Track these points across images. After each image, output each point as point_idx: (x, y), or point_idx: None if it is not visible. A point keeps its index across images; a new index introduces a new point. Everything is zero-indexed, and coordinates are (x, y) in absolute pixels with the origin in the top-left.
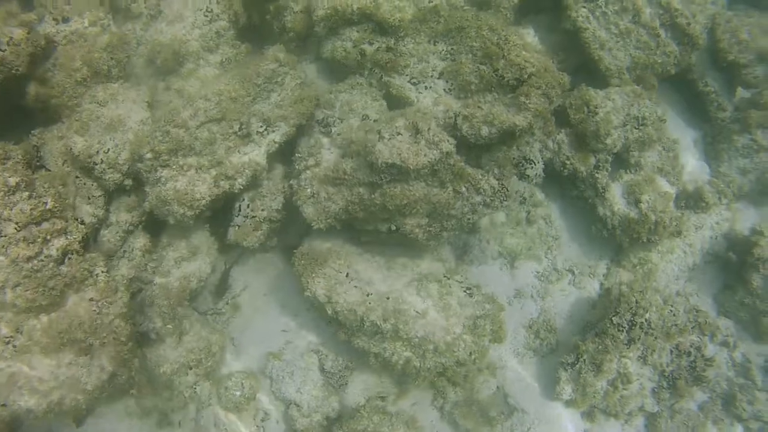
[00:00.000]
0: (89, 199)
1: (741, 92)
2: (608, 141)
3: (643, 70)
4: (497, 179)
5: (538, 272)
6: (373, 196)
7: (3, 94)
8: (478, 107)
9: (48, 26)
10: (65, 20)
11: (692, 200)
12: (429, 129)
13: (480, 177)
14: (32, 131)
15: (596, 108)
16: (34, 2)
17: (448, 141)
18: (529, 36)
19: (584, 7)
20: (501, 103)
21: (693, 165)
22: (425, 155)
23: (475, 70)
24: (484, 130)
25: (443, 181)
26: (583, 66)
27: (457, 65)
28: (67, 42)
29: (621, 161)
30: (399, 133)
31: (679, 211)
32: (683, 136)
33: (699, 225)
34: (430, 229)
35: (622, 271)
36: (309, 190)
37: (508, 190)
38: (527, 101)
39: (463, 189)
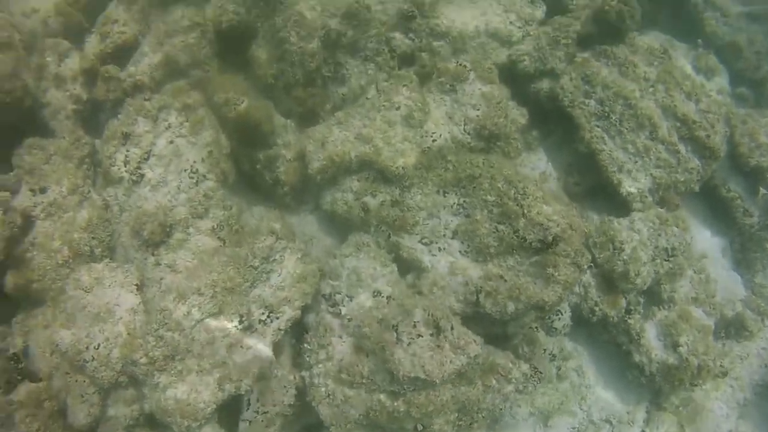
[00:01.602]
0: (82, 397)
1: (762, 192)
2: (638, 281)
3: (665, 190)
4: (528, 360)
5: (573, 428)
6: (396, 404)
7: None
8: (502, 279)
9: (25, 199)
10: (42, 190)
11: (733, 328)
12: (452, 328)
13: (510, 366)
14: (14, 319)
15: (622, 244)
16: (12, 160)
17: (475, 342)
18: (541, 162)
19: (598, 126)
20: (526, 273)
21: (725, 278)
22: (451, 362)
23: (493, 230)
24: (510, 307)
25: (471, 379)
26: (599, 186)
27: (473, 224)
28: (45, 216)
29: (651, 295)
30: (419, 335)
31: (721, 343)
32: (710, 247)
33: (744, 355)
34: (460, 422)
35: (665, 414)
36: (323, 389)
37: (542, 373)
38: (556, 273)
39: (494, 382)
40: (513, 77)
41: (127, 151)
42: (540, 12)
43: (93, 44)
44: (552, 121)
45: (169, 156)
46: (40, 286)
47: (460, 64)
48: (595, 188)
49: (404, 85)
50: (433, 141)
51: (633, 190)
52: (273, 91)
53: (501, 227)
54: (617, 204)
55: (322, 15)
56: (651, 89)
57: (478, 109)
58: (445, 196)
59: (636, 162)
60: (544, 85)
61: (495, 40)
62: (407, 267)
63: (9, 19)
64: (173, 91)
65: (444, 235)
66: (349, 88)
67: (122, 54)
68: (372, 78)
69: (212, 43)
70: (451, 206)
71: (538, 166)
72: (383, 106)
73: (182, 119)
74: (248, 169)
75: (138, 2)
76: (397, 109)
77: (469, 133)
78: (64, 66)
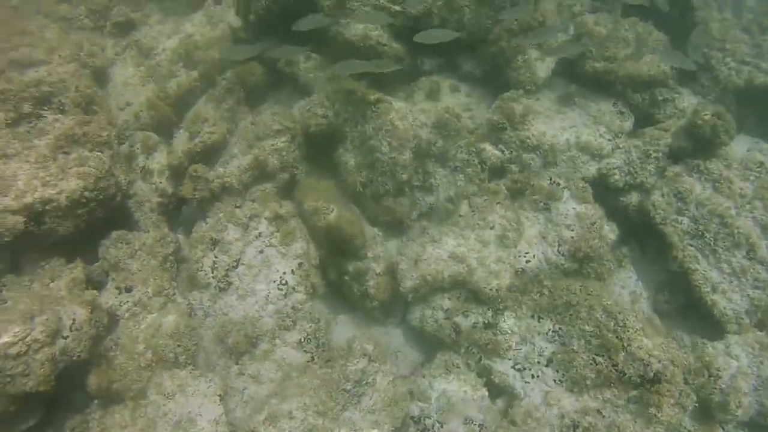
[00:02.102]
0: None
1: None
2: (739, 413)
3: (765, 313)
4: None
5: None
6: None
7: (60, 381)
8: (600, 414)
9: (111, 297)
10: (128, 289)
11: None
12: None
13: None
14: (92, 415)
15: (719, 371)
16: (99, 251)
17: None
18: (631, 279)
19: (691, 245)
20: (625, 409)
21: None
22: None
23: (590, 361)
24: None
25: None
26: (691, 305)
27: (569, 353)
28: (130, 316)
29: (755, 427)
30: None
31: None
32: None
33: None
34: None
35: None
36: None
37: None
38: (659, 413)
39: None
40: (601, 188)
41: (216, 257)
42: (629, 123)
43: (182, 141)
44: (641, 235)
45: (258, 266)
46: (120, 387)
47: (554, 182)
48: (687, 307)
49: (498, 203)
50: (527, 262)
51: (728, 311)
52: (360, 197)
53: (599, 359)
54: (710, 325)
55: (413, 124)
56: (748, 206)
57: (573, 230)
58: (539, 322)
59: (732, 282)
60: (633, 199)
61: (585, 154)
62: (498, 391)
63: (108, 117)
64: (263, 198)
65: (538, 362)
66: (437, 198)
67: (210, 152)
68: (462, 190)
69: (301, 146)
70: (546, 333)
71: (627, 284)
72: (478, 225)
73: (273, 229)
74: (335, 278)
75: (227, 101)
76: (492, 228)
77: (563, 255)
78: (152, 159)
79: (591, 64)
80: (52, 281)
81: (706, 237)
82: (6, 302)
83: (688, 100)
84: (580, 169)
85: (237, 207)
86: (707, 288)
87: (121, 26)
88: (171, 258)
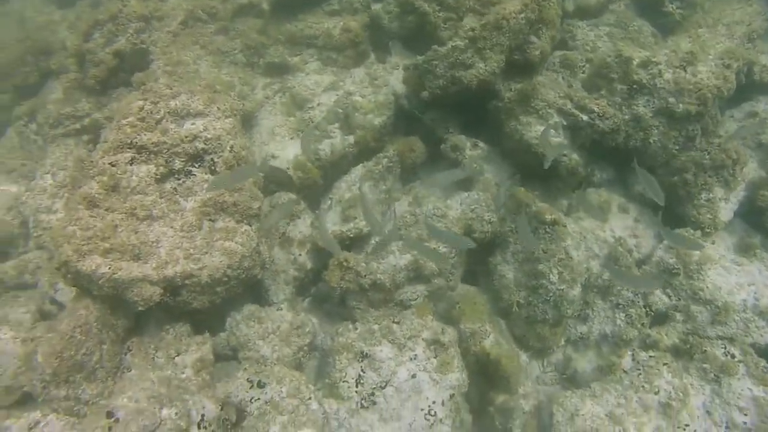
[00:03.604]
0: None
1: None
2: None
3: None
4: None
5: None
6: None
7: None
8: None
9: (241, 389)
10: (261, 385)
11: None
12: None
13: None
14: None
15: None
16: (227, 322)
17: None
18: None
19: None
20: None
21: None
22: None
23: None
24: None
25: None
26: None
27: None
28: (258, 414)
29: None
30: None
31: None
32: None
33: None
34: None
35: None
36: None
37: None
38: None
39: None
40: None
41: (363, 371)
42: None
43: (334, 220)
44: None
45: (408, 391)
46: None
47: (729, 354)
48: None
49: (665, 364)
50: None
51: None
52: (512, 315)
53: None
54: None
55: (587, 255)
56: None
57: (746, 415)
58: None
59: None
60: None
61: (762, 319)
62: None
63: (259, 183)
64: (419, 311)
65: None
66: (590, 329)
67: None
68: (621, 331)
69: (461, 252)
70: None
71: None
72: (642, 387)
73: (430, 354)
74: (476, 403)
75: (386, 181)
76: (656, 393)
77: None
78: (295, 227)
79: None
80: (178, 354)
81: None
82: (131, 370)
83: None
84: (752, 334)
85: (395, 322)
86: None
87: (275, 68)
88: (305, 348)
